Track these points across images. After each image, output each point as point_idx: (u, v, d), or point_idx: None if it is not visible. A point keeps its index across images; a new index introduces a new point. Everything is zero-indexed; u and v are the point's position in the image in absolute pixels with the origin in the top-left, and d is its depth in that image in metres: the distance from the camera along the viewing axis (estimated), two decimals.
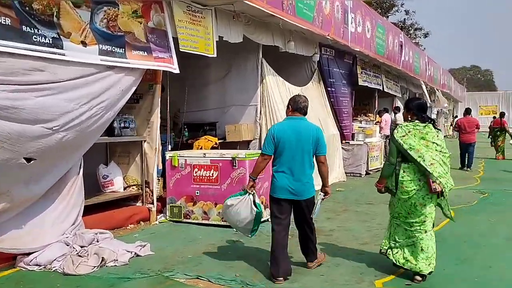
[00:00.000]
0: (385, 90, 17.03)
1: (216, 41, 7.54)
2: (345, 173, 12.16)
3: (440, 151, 4.41)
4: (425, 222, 4.47)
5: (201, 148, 8.42)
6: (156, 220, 6.67)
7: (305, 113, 4.68)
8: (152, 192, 6.64)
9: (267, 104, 9.37)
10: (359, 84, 14.70)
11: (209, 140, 8.62)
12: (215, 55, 7.51)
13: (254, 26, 8.75)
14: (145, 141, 6.67)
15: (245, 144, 9.42)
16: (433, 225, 4.59)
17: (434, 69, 26.13)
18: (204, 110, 9.94)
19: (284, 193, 4.46)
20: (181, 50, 6.74)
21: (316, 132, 4.53)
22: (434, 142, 4.41)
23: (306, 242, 4.71)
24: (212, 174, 6.51)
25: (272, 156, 4.55)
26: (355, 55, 14.14)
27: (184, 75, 9.95)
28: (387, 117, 15.80)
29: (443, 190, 4.37)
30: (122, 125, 6.45)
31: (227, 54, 9.49)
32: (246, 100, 9.50)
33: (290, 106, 4.69)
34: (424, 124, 4.47)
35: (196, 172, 6.57)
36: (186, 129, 9.00)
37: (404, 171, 4.42)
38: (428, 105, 23.56)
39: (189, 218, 6.64)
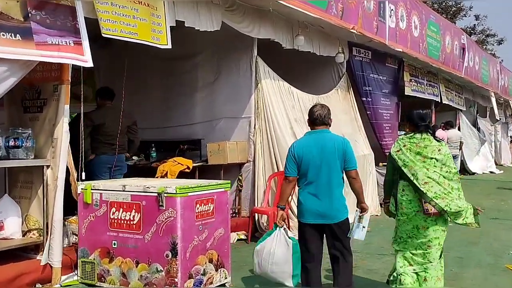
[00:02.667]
0: (444, 102, 14.13)
1: (171, 27, 5.43)
2: (381, 204, 9.56)
3: (441, 168, 4.06)
4: (430, 249, 4.08)
5: (165, 175, 6.30)
6: (58, 283, 4.56)
7: (324, 123, 4.12)
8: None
9: (264, 116, 7.11)
10: (406, 94, 12.09)
11: (178, 163, 6.48)
12: (169, 46, 5.40)
13: (241, 12, 6.57)
14: (48, 166, 4.63)
15: (235, 168, 7.19)
16: (441, 254, 4.17)
17: (509, 79, 22.58)
18: (190, 125, 7.82)
19: (312, 217, 3.99)
20: (103, 34, 4.71)
21: (342, 144, 4.03)
22: (433, 158, 4.05)
23: (342, 275, 4.02)
24: (133, 216, 4.34)
25: (296, 177, 4.08)
26: (402, 59, 11.57)
27: (166, 81, 8.06)
28: (441, 134, 12.95)
29: (445, 213, 3.99)
30: (12, 143, 4.47)
31: (217, 52, 7.39)
32: (238, 111, 7.30)
33: (308, 119, 4.20)
34: (422, 136, 4.13)
35: (113, 213, 4.44)
36: (153, 149, 6.92)
37: (403, 190, 4.13)
38: (498, 119, 20.12)
39: (104, 281, 4.48)
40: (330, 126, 4.14)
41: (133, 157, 6.95)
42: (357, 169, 4.07)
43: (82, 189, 4.60)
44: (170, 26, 5.42)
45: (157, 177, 6.29)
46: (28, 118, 4.84)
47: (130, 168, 6.70)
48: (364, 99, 10.05)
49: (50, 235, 4.55)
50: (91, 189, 4.55)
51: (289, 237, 4.04)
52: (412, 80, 12.47)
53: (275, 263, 3.99)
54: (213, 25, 6.03)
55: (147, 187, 4.28)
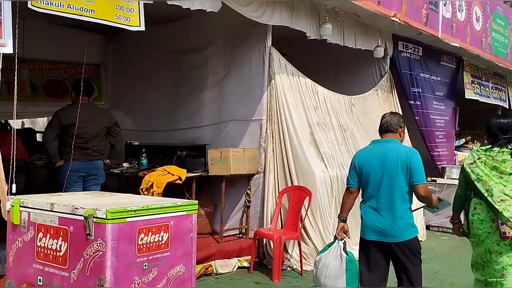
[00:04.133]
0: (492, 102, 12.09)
1: (144, 5, 4.34)
2: (426, 227, 8.04)
3: None
4: (504, 278, 3.54)
5: (151, 186, 5.22)
6: None
7: (391, 131, 3.75)
8: None
9: (277, 118, 5.88)
10: (467, 97, 10.41)
11: (168, 172, 5.38)
12: (141, 28, 4.29)
13: None
14: None
15: (243, 181, 6.00)
16: None
17: None
18: (197, 128, 6.71)
19: (371, 234, 3.62)
20: (32, 7, 3.68)
21: (406, 155, 3.59)
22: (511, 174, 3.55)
23: None
24: (60, 246, 3.26)
25: (357, 188, 3.76)
26: (461, 57, 9.94)
27: (175, 78, 7.02)
28: None
29: None
30: None
31: (228, 43, 6.27)
32: (248, 112, 6.11)
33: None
34: (501, 150, 3.62)
35: (40, 239, 3.39)
36: (143, 155, 5.85)
37: (475, 208, 3.68)
38: None
39: None
40: (400, 135, 3.78)
41: (124, 164, 5.93)
42: (426, 184, 3.64)
43: (10, 205, 3.58)
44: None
45: (141, 189, 5.22)
46: None
47: (116, 177, 5.70)
48: (411, 102, 8.58)
49: None
50: (20, 206, 3.52)
51: (345, 252, 3.79)
52: (475, 82, 10.77)
53: (329, 277, 3.79)
54: (207, 4, 4.88)
55: (76, 208, 3.18)
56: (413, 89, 8.61)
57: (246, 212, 6.02)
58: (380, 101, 7.75)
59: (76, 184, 4.91)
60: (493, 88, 11.70)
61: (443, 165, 9.06)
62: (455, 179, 8.25)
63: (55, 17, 3.79)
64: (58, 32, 6.84)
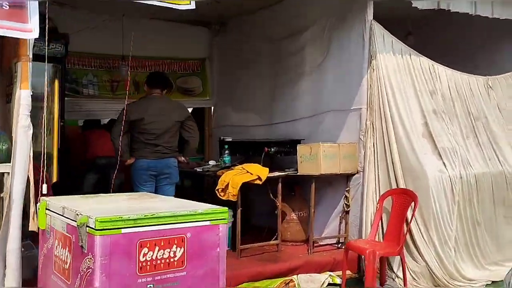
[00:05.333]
0: None
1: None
2: None
3: None
4: None
5: (226, 187, 4.62)
6: None
7: None
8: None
9: (379, 106, 4.82)
10: None
11: (247, 171, 4.72)
12: (192, 6, 3.68)
13: None
14: (8, 173, 3.44)
15: (341, 181, 5.07)
16: None
17: None
18: (294, 121, 5.92)
19: None
20: None
21: None
22: None
23: None
24: (67, 257, 2.81)
25: None
26: None
27: (274, 68, 6.35)
28: None
29: None
30: None
31: (328, 24, 5.44)
32: (347, 100, 5.13)
33: None
34: None
35: (56, 248, 2.99)
36: (226, 152, 5.24)
37: None
38: None
39: None
40: None
41: (210, 162, 5.42)
42: None
43: (38, 208, 3.27)
44: None
45: (217, 190, 4.65)
46: (7, 110, 3.75)
47: (195, 177, 5.24)
48: None
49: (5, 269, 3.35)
50: (46, 209, 3.18)
51: None
52: None
53: None
54: None
55: (77, 214, 2.69)
56: None
57: (344, 218, 5.07)
58: None
59: (147, 184, 4.53)
60: None
61: None
62: None
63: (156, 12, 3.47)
64: (160, 27, 6.65)
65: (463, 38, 6.58)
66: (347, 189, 5.04)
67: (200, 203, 3.05)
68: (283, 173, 4.93)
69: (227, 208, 2.86)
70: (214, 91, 7.40)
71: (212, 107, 7.50)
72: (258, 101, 6.55)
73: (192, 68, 7.22)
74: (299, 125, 5.82)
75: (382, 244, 4.48)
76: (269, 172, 4.90)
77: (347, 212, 5.04)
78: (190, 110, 8.50)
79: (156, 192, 4.62)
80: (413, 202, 4.32)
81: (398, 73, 4.88)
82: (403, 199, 4.45)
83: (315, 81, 5.61)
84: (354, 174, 4.99)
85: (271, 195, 4.87)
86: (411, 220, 4.34)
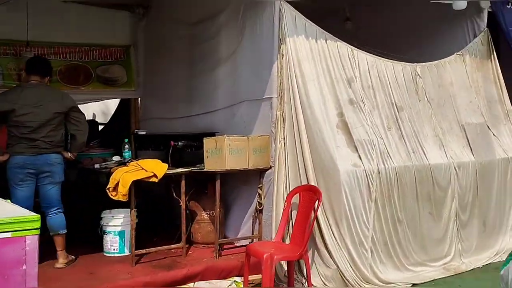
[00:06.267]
0: None
1: None
2: None
3: None
4: None
5: (116, 186, 4.13)
6: None
7: None
8: None
9: (289, 96, 4.38)
10: None
11: (142, 168, 4.23)
12: None
13: None
14: None
15: (254, 177, 4.63)
16: None
17: None
18: (212, 112, 5.44)
19: None
20: None
21: None
22: None
23: None
24: None
25: None
26: None
27: (191, 55, 5.86)
28: None
29: None
30: None
31: (242, 4, 4.97)
32: (260, 89, 4.67)
33: None
34: None
35: None
36: (126, 146, 4.72)
37: None
38: None
39: None
40: None
41: (113, 158, 4.92)
42: None
43: None
44: None
45: (108, 189, 4.16)
46: None
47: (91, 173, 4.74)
48: None
49: None
50: None
51: None
52: None
53: None
54: None
55: None
56: None
57: (258, 217, 4.62)
58: (469, 69, 5.67)
59: (24, 184, 4.01)
60: None
61: None
62: None
63: None
64: (75, 10, 6.10)
65: (403, 23, 6.26)
66: (259, 185, 4.59)
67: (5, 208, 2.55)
68: (187, 170, 4.46)
69: (38, 215, 2.37)
70: (140, 81, 6.87)
71: (139, 99, 6.97)
72: (180, 91, 6.05)
73: (115, 56, 6.67)
74: (217, 117, 5.34)
75: (286, 246, 4.04)
76: (175, 168, 4.44)
77: (260, 211, 4.59)
78: (116, 102, 8.17)
79: (37, 193, 4.12)
80: (318, 200, 3.89)
81: (311, 59, 4.44)
82: (309, 197, 4.02)
83: (231, 68, 5.14)
84: (267, 170, 4.54)
85: (174, 193, 4.41)
86: (313, 220, 3.92)
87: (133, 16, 6.77)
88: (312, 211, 3.96)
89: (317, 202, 3.90)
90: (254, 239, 4.63)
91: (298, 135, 4.30)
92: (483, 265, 4.93)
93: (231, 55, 5.13)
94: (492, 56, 5.96)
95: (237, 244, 4.79)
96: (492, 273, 4.68)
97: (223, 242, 4.59)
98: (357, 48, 4.83)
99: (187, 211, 4.67)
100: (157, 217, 5.06)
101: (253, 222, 4.67)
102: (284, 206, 4.18)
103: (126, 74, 6.78)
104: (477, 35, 5.96)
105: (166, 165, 4.32)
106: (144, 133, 5.44)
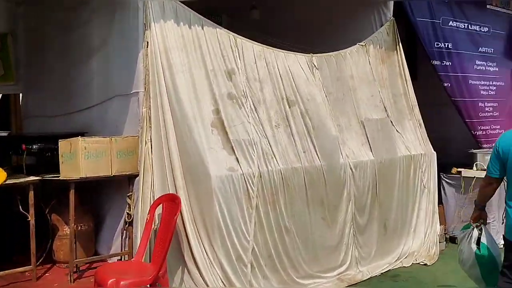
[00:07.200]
0: None
1: None
2: (448, 239, 5.46)
3: None
4: None
5: None
6: None
7: None
8: None
9: (156, 91, 3.76)
10: None
11: None
12: None
13: None
14: None
15: (123, 184, 3.99)
16: None
17: None
18: (87, 109, 4.73)
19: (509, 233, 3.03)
20: None
21: None
22: None
23: None
24: None
25: (499, 178, 3.13)
26: None
27: (65, 44, 5.11)
28: None
29: None
30: None
31: None
32: (129, 83, 4.03)
33: None
34: None
35: None
36: None
37: None
38: None
39: None
40: None
41: None
42: None
43: None
44: None
45: None
46: None
47: None
48: (436, 62, 5.97)
49: None
50: None
51: (477, 244, 3.27)
52: None
53: (463, 262, 3.38)
54: None
55: None
56: (438, 44, 6.00)
57: (128, 230, 3.99)
58: (372, 60, 5.25)
59: None
60: None
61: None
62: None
63: None
64: None
65: (314, 13, 5.82)
66: (128, 194, 3.96)
67: None
68: (35, 179, 3.76)
69: None
70: (21, 74, 6.03)
71: (20, 94, 6.15)
72: (59, 85, 5.30)
73: None
74: (92, 114, 4.65)
75: (143, 268, 3.42)
76: (24, 176, 3.74)
77: (130, 223, 3.96)
78: None
79: None
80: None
81: (182, 48, 3.84)
82: (171, 208, 3.43)
83: (104, 59, 4.46)
84: (137, 176, 3.91)
85: (20, 207, 3.70)
86: (170, 236, 3.30)
87: (8, 1, 5.92)
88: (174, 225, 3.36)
89: (178, 214, 3.30)
90: (123, 257, 4.00)
91: (166, 135, 3.70)
92: (382, 273, 4.52)
93: (103, 44, 4.45)
94: (398, 47, 5.58)
95: (110, 261, 4.15)
96: (388, 282, 4.27)
97: (80, 261, 3.92)
98: (264, 39, 4.33)
99: (49, 226, 4.00)
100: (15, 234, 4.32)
101: (122, 236, 4.04)
102: (147, 219, 3.57)
103: (2, 66, 5.94)
104: (383, 23, 5.57)
105: (5, 174, 3.60)
106: (5, 134, 4.68)
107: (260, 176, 3.86)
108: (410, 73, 5.57)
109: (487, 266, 3.25)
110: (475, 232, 3.31)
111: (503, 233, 3.10)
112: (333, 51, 5.02)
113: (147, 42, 3.74)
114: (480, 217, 3.32)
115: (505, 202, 3.10)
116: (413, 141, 5.13)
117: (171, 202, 3.46)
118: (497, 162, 3.08)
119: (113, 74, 4.32)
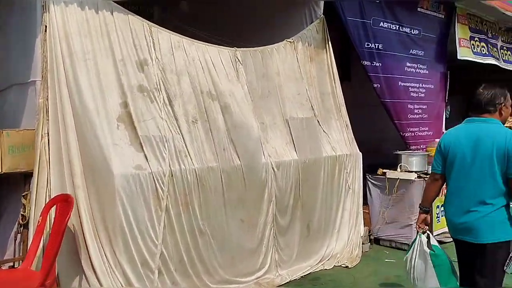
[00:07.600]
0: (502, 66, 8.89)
1: None
2: (372, 240, 5.40)
3: None
4: None
5: None
6: None
7: (488, 111, 3.02)
8: None
9: (55, 80, 3.39)
10: (461, 57, 7.50)
11: None
12: None
13: None
14: None
15: (18, 182, 3.58)
16: None
17: None
18: None
19: (452, 231, 3.11)
20: None
21: (504, 140, 2.91)
22: None
23: None
24: None
25: (443, 174, 3.15)
26: (453, 3, 7.15)
27: None
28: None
29: None
30: None
31: None
32: (27, 70, 3.63)
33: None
34: None
35: None
36: None
37: None
38: None
39: None
40: (501, 114, 3.03)
41: None
42: None
43: None
44: None
45: None
46: None
47: None
48: (366, 63, 5.88)
49: None
50: None
51: (429, 247, 3.24)
52: (476, 39, 7.87)
53: (418, 279, 3.25)
54: None
55: None
56: (368, 45, 5.92)
57: (22, 233, 3.59)
58: (301, 58, 5.08)
59: None
60: (504, 48, 8.74)
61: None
62: (415, 172, 5.49)
63: None
64: None
65: (247, 7, 5.58)
66: (24, 194, 3.56)
67: None
68: None
69: None
70: None
71: None
72: None
73: None
74: None
75: (30, 277, 3.05)
76: None
77: (25, 226, 3.56)
78: None
79: None
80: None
81: (86, 34, 3.49)
82: (64, 209, 3.08)
83: (1, 42, 4.01)
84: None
85: None
86: (59, 240, 2.96)
87: None
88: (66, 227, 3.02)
89: (69, 215, 2.96)
90: (16, 263, 3.60)
91: (64, 129, 3.34)
92: (302, 276, 4.35)
93: (2, 25, 4.01)
94: (327, 46, 5.45)
95: (4, 268, 3.72)
96: (307, 286, 4.11)
97: None
98: (193, 32, 4.04)
99: None
100: None
101: (15, 240, 3.63)
102: (39, 222, 3.20)
103: None
104: (313, 20, 5.43)
105: None
106: None
107: (172, 175, 3.58)
108: (343, 73, 5.47)
109: (444, 269, 3.21)
110: (424, 238, 3.30)
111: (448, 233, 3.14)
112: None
113: (46, 26, 3.37)
114: (425, 220, 3.29)
115: (444, 200, 3.15)
116: (339, 141, 5.01)
117: (64, 202, 3.11)
118: (440, 158, 3.12)
119: (10, 61, 3.90)
